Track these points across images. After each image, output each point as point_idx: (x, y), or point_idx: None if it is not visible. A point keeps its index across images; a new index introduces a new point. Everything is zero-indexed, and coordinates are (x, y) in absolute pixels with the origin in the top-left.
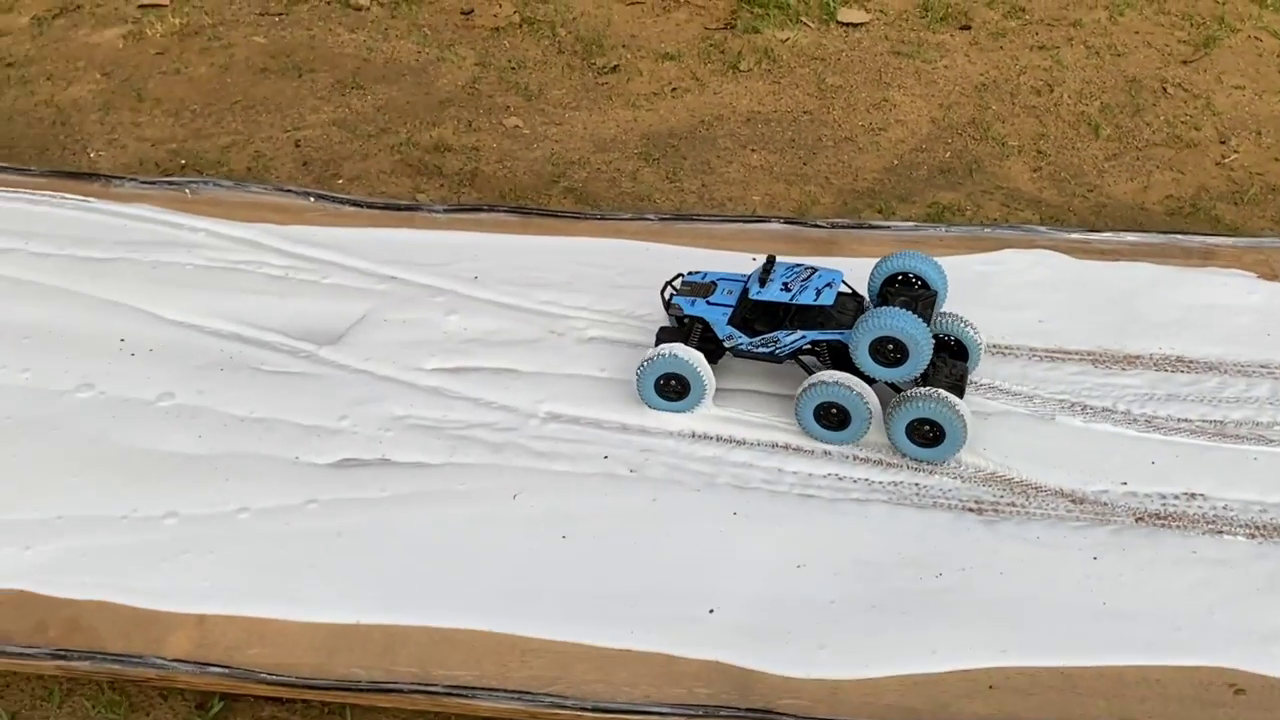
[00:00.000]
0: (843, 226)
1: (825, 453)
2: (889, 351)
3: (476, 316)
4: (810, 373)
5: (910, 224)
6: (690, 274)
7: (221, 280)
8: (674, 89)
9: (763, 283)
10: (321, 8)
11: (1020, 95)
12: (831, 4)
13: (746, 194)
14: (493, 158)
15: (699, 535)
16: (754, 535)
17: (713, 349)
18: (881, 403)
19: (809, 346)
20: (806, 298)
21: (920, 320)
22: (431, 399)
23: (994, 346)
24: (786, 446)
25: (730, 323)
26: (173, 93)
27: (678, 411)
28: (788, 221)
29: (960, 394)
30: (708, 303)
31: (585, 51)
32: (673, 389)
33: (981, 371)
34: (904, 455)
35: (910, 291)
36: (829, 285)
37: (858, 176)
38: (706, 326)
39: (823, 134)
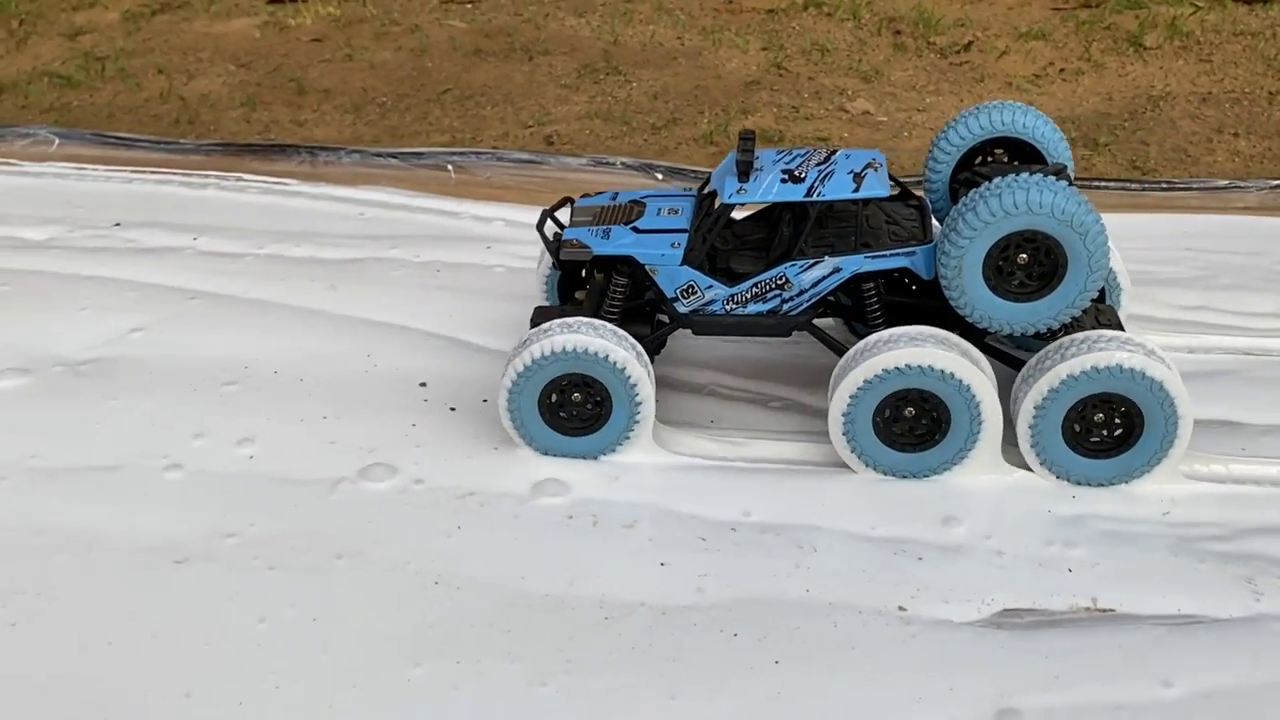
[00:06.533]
0: None
1: None
2: (1019, 270)
3: None
4: (840, 349)
5: None
6: (585, 197)
7: None
8: (1060, 70)
9: (745, 175)
10: None
11: None
12: None
13: None
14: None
15: None
16: None
17: (644, 332)
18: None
19: (840, 290)
20: (838, 189)
21: (1081, 195)
22: None
23: None
24: None
25: (689, 263)
26: (347, 82)
27: (588, 454)
28: None
29: None
30: (635, 230)
31: (915, 31)
32: (575, 411)
33: None
34: (1062, 477)
35: (1023, 170)
36: (870, 167)
37: None
38: (633, 277)
39: None
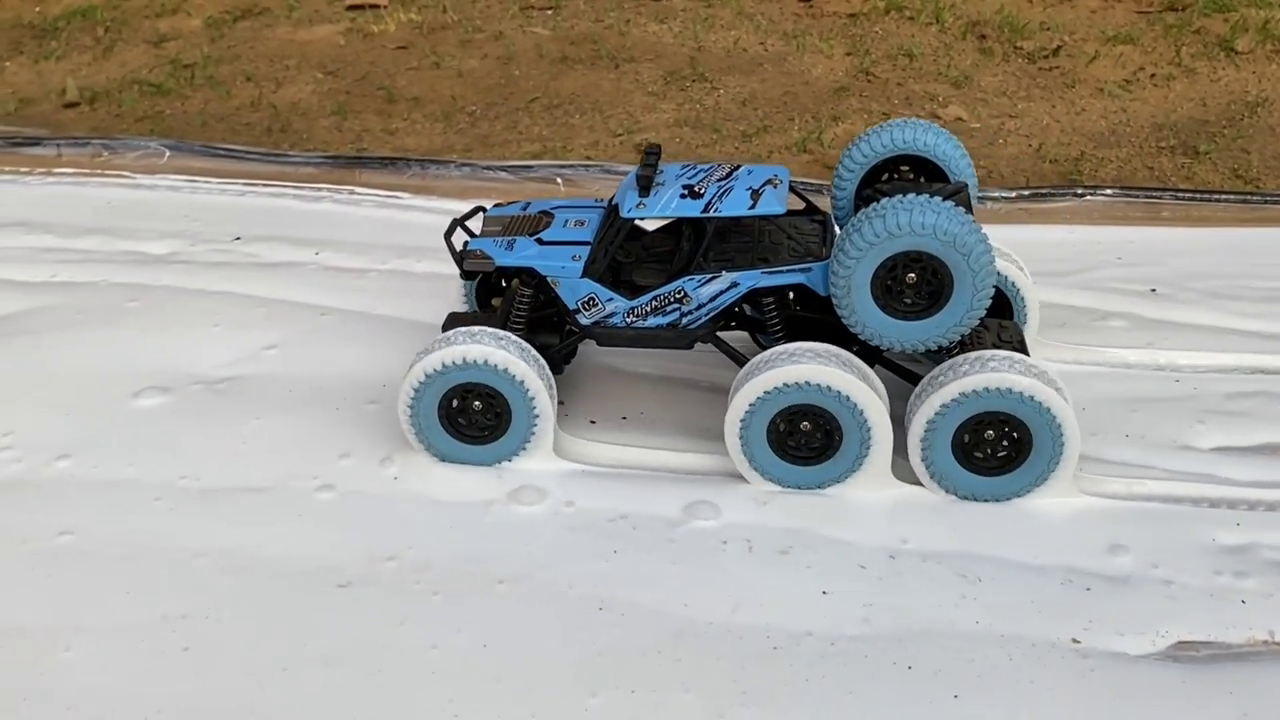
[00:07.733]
0: None
1: None
2: (908, 289)
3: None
4: (741, 361)
5: None
6: (498, 206)
7: None
8: (1151, 75)
9: (645, 190)
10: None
11: None
12: None
13: None
14: None
15: None
16: None
17: (553, 342)
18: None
19: (740, 303)
20: (735, 205)
21: (967, 215)
22: None
23: None
24: None
25: (589, 275)
26: (436, 90)
27: (484, 462)
28: None
29: None
30: (539, 242)
31: (1000, 36)
32: (474, 419)
33: None
34: (951, 492)
35: (922, 189)
36: (770, 184)
37: None
38: (539, 289)
39: None
